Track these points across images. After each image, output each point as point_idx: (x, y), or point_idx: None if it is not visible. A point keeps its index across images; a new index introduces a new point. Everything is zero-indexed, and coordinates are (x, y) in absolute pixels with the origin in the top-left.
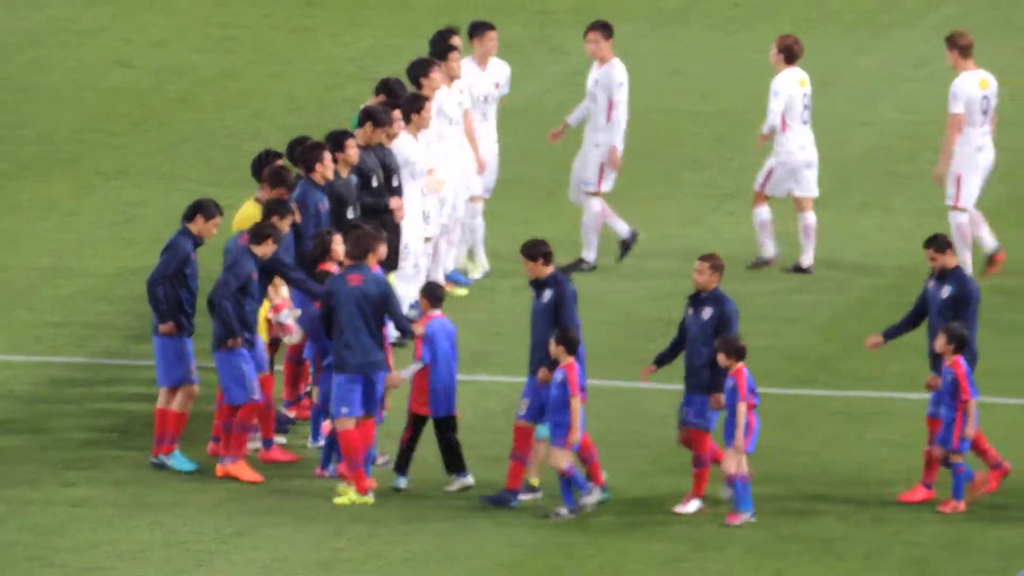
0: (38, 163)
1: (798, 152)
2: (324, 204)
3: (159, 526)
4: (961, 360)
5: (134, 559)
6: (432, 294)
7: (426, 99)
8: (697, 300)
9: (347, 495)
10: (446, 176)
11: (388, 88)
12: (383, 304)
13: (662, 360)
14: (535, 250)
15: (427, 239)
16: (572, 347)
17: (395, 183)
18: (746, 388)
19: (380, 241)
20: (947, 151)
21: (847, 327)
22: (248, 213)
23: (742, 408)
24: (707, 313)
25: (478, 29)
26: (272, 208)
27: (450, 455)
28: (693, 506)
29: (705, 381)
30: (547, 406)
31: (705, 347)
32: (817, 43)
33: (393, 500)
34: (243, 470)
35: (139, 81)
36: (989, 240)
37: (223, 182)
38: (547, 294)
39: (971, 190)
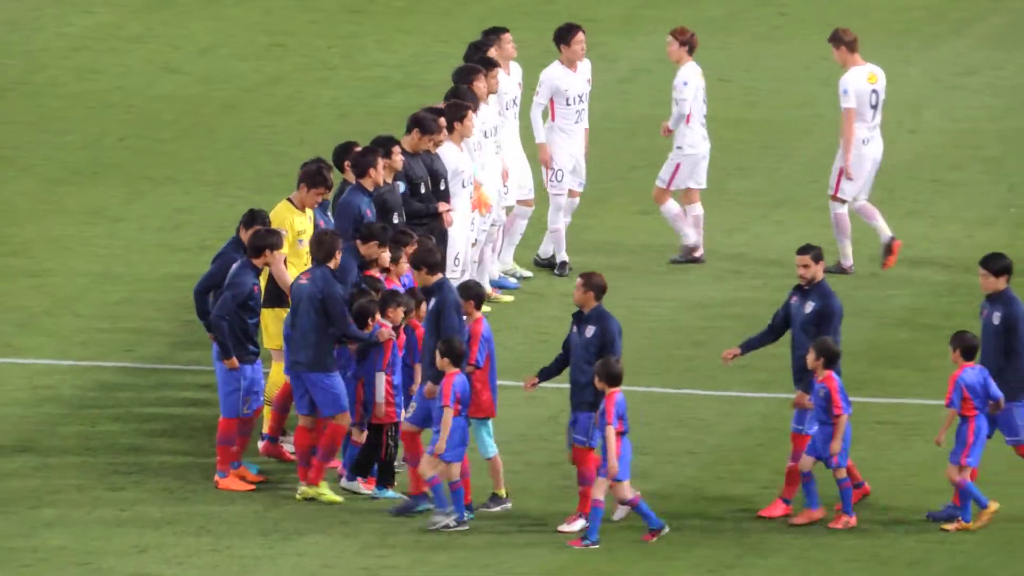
0: (86, 169)
1: (700, 145)
2: (371, 210)
3: (205, 532)
4: (834, 375)
5: (180, 564)
6: (477, 295)
7: (468, 107)
8: (580, 317)
9: (314, 492)
10: (489, 189)
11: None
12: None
13: (749, 346)
14: (418, 259)
15: (472, 244)
16: (457, 359)
17: (442, 187)
18: (614, 413)
19: (337, 244)
20: (847, 145)
21: (893, 336)
22: (281, 214)
23: (610, 433)
24: (590, 331)
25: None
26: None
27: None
28: (578, 525)
29: (589, 399)
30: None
31: (588, 365)
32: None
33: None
34: (234, 483)
35: (187, 87)
36: (885, 230)
37: (270, 188)
38: (432, 302)
39: (857, 182)
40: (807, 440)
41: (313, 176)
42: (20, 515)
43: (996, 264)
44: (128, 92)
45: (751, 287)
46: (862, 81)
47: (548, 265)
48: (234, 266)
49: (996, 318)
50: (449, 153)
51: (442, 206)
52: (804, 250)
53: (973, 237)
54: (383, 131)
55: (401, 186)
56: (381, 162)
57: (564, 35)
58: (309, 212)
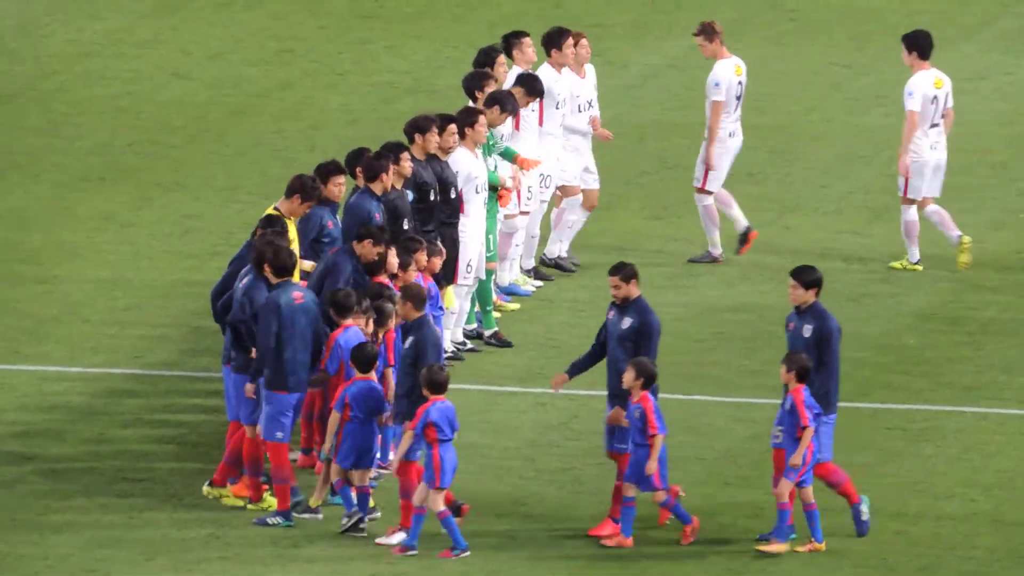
0: (95, 175)
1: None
2: (379, 215)
3: (215, 539)
4: (649, 395)
5: (190, 572)
6: (337, 303)
7: (480, 113)
8: (406, 328)
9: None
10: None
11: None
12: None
13: (576, 368)
14: (408, 292)
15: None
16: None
17: (452, 195)
18: (424, 421)
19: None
20: (712, 137)
21: (902, 341)
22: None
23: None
24: (408, 342)
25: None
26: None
27: None
28: (396, 538)
29: (404, 410)
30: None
31: (407, 376)
32: (874, 56)
33: None
34: (241, 489)
35: (196, 93)
36: (741, 220)
37: (279, 194)
38: (409, 340)
39: (719, 174)
40: (628, 458)
41: (309, 190)
42: (28, 522)
43: (807, 276)
44: (138, 98)
45: (760, 292)
46: (731, 74)
47: (555, 266)
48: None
49: (807, 331)
50: (463, 159)
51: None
52: (614, 270)
53: (982, 242)
54: (393, 137)
55: (408, 192)
56: (392, 168)
57: (554, 39)
58: (293, 222)
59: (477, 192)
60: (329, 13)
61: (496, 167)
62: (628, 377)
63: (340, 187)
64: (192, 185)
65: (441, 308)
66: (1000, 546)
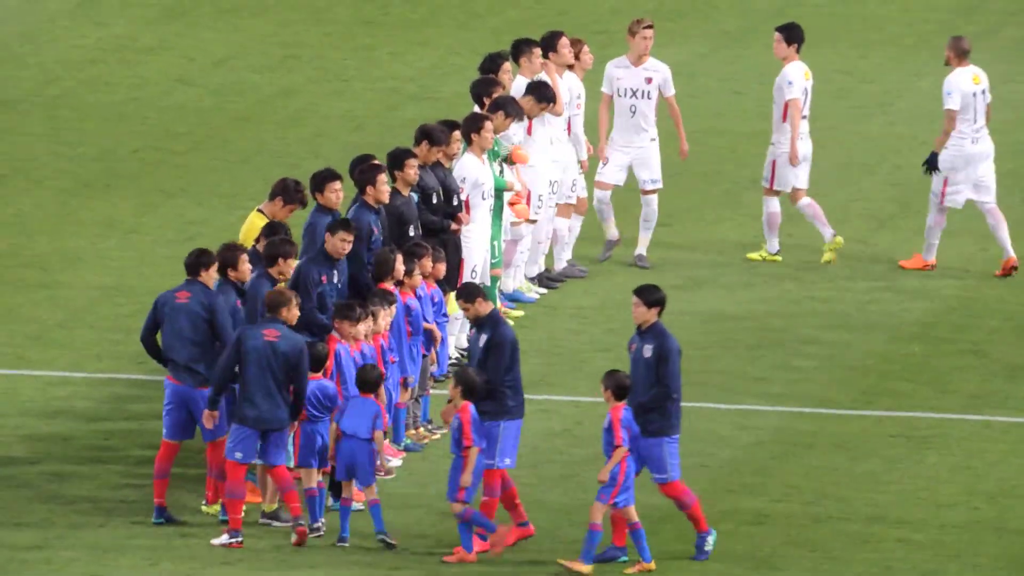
0: (99, 181)
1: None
2: (376, 227)
3: (218, 545)
4: (470, 407)
5: None
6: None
7: (486, 118)
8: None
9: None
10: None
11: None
12: (295, 365)
13: None
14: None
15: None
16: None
17: (455, 203)
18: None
19: (291, 299)
20: (795, 134)
21: (907, 348)
22: (255, 224)
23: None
24: (648, 351)
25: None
26: (273, 231)
27: None
28: (224, 539)
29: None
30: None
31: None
32: (877, 65)
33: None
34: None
35: (200, 99)
36: (613, 231)
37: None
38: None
39: (795, 174)
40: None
41: (291, 192)
42: (32, 527)
43: (650, 296)
44: (142, 104)
45: (764, 300)
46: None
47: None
48: (251, 283)
49: (647, 351)
50: (469, 164)
51: (462, 217)
52: (457, 295)
53: (987, 250)
54: (397, 144)
55: (414, 197)
56: (383, 178)
57: (549, 42)
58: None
59: (483, 198)
60: (333, 20)
61: (502, 171)
62: (451, 388)
63: (337, 194)
64: (196, 191)
65: (445, 315)
66: (1003, 554)
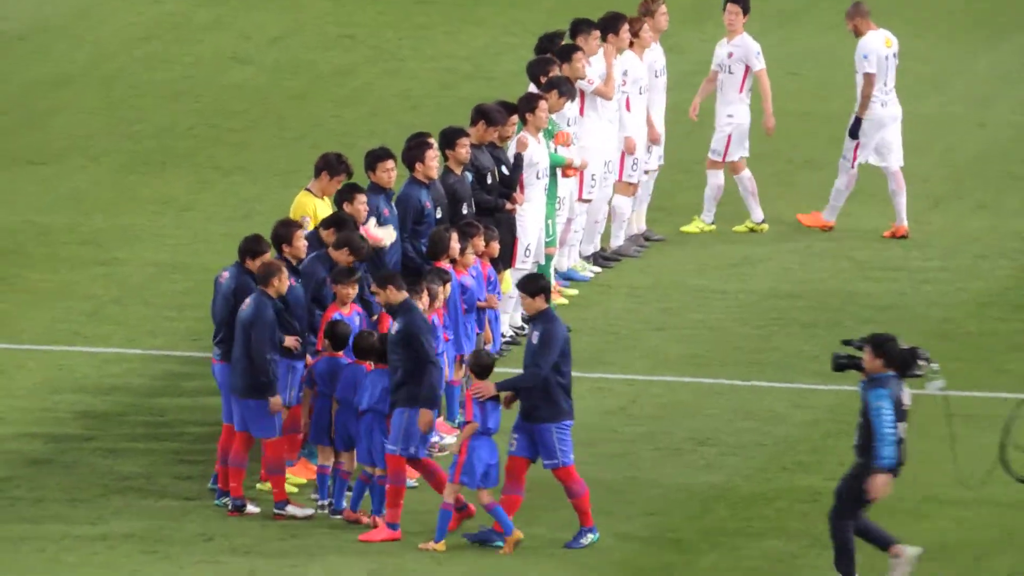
0: (155, 158)
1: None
2: (428, 202)
3: (272, 520)
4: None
5: (247, 553)
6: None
7: (541, 98)
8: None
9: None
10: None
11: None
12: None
13: None
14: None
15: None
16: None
17: (509, 183)
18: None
19: (281, 271)
20: (864, 106)
21: (962, 329)
22: (302, 203)
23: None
24: (535, 336)
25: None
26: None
27: None
28: (292, 511)
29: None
30: None
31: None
32: (932, 44)
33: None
34: (300, 471)
35: (256, 77)
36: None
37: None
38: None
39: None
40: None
41: (334, 165)
42: (88, 503)
43: (531, 286)
44: (197, 82)
45: (819, 279)
46: (881, 46)
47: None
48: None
49: (535, 337)
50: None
51: (517, 197)
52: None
53: None
54: (452, 123)
55: (468, 176)
56: (432, 154)
57: (610, 24)
58: (328, 200)
59: (538, 178)
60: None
61: (557, 149)
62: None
63: (389, 172)
64: (252, 169)
65: (500, 293)
66: None
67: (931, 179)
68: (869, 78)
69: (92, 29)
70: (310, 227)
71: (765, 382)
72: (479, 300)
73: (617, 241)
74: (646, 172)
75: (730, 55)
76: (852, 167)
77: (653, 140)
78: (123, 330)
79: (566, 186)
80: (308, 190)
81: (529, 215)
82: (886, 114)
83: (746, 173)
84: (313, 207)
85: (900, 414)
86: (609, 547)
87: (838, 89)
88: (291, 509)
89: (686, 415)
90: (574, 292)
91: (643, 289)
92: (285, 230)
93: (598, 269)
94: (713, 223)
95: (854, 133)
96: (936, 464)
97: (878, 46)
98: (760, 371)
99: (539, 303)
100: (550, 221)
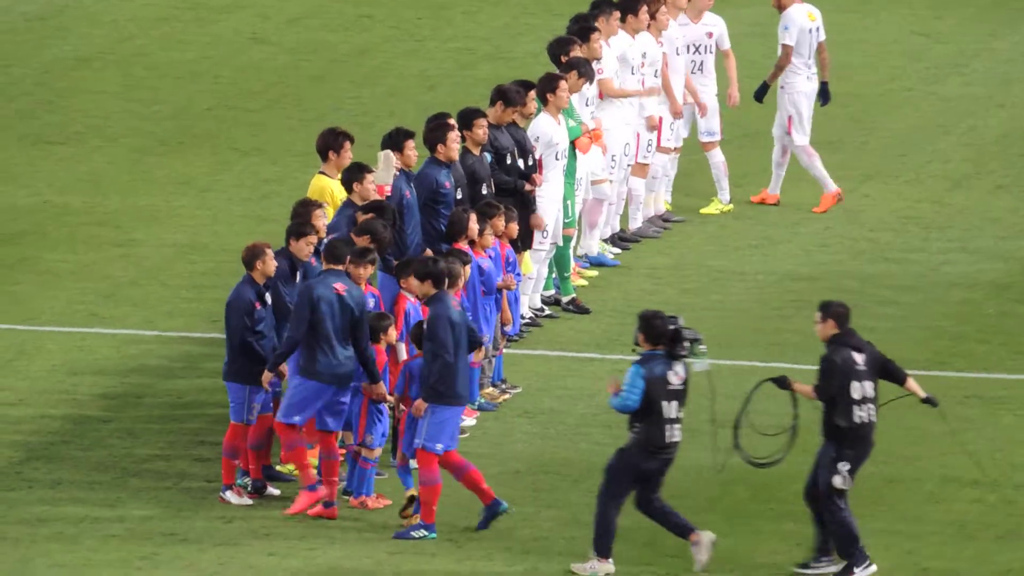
0: (174, 139)
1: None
2: (448, 182)
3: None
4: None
5: (267, 535)
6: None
7: (562, 79)
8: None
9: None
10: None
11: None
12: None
13: None
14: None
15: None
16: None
17: (529, 162)
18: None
19: (265, 253)
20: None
21: (981, 309)
22: (320, 186)
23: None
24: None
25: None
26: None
27: None
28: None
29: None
30: None
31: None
32: (953, 25)
33: (523, 479)
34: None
35: (275, 58)
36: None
37: (358, 159)
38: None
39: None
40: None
41: (333, 140)
42: (106, 485)
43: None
44: (216, 62)
45: (838, 261)
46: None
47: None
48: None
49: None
50: (545, 125)
51: (536, 178)
52: (355, 256)
53: None
54: (471, 103)
55: (487, 156)
56: (453, 135)
57: (629, 5)
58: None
59: (557, 159)
60: None
61: (577, 124)
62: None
63: (411, 152)
64: (270, 150)
65: (519, 274)
66: None
67: (952, 160)
68: (787, 49)
69: (110, 10)
70: (328, 211)
71: (785, 363)
72: (497, 282)
73: (635, 223)
74: (675, 149)
75: (709, 35)
76: (790, 133)
77: (676, 114)
78: (141, 311)
79: (584, 166)
80: (323, 173)
81: (548, 196)
82: (810, 88)
83: (718, 154)
84: (331, 189)
85: (667, 393)
86: (629, 528)
87: (855, 70)
88: (229, 495)
89: (705, 396)
90: (594, 273)
91: (663, 270)
92: (304, 210)
93: (617, 250)
94: (730, 202)
95: (759, 97)
96: (955, 445)
97: (801, 19)
98: (781, 352)
99: (427, 288)
100: (569, 202)
